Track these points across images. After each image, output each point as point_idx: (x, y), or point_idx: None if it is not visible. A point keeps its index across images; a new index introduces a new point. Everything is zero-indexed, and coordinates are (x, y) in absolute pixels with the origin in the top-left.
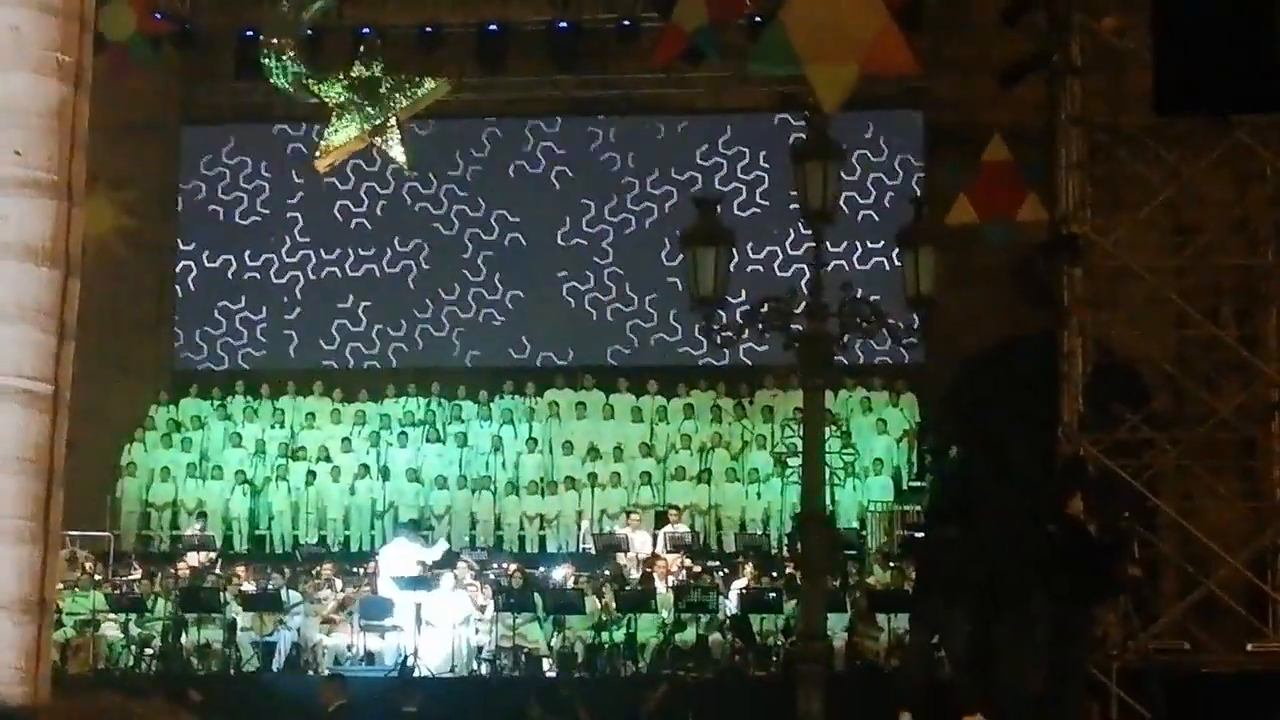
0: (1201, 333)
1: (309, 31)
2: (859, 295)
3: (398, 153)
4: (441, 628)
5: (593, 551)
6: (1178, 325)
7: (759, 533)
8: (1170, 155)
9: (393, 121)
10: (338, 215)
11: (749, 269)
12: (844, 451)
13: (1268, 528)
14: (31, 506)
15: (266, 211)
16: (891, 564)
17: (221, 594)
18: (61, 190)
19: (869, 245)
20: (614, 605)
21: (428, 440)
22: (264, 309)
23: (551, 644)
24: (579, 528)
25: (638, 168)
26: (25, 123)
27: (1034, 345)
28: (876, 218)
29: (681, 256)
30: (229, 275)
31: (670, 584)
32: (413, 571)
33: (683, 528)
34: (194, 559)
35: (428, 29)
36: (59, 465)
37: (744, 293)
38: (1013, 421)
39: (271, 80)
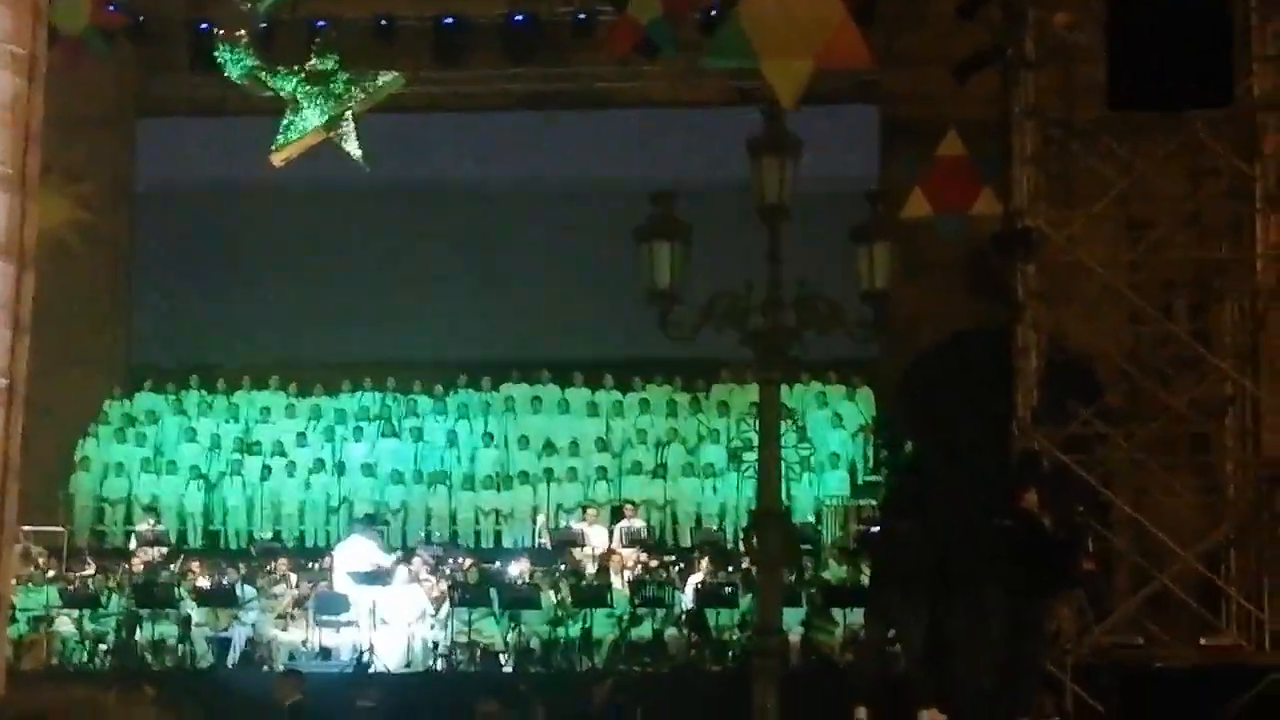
0: (1155, 328)
1: (264, 25)
2: (814, 290)
3: (353, 147)
4: (397, 623)
5: (548, 546)
6: (1131, 320)
7: (715, 527)
8: (1123, 149)
9: (348, 115)
10: (293, 209)
11: (704, 263)
12: (800, 446)
13: (1221, 522)
14: None
15: (222, 205)
16: (847, 559)
17: (176, 589)
18: (15, 183)
19: (824, 240)
20: (570, 600)
21: (383, 435)
22: (219, 303)
23: (507, 639)
24: (535, 523)
25: (594, 161)
26: None
27: (987, 340)
28: (832, 212)
29: (638, 250)
30: (184, 269)
31: (626, 579)
32: (368, 568)
33: (638, 522)
34: (147, 554)
35: (383, 22)
36: (14, 459)
37: (699, 287)
38: (966, 416)
39: (226, 73)
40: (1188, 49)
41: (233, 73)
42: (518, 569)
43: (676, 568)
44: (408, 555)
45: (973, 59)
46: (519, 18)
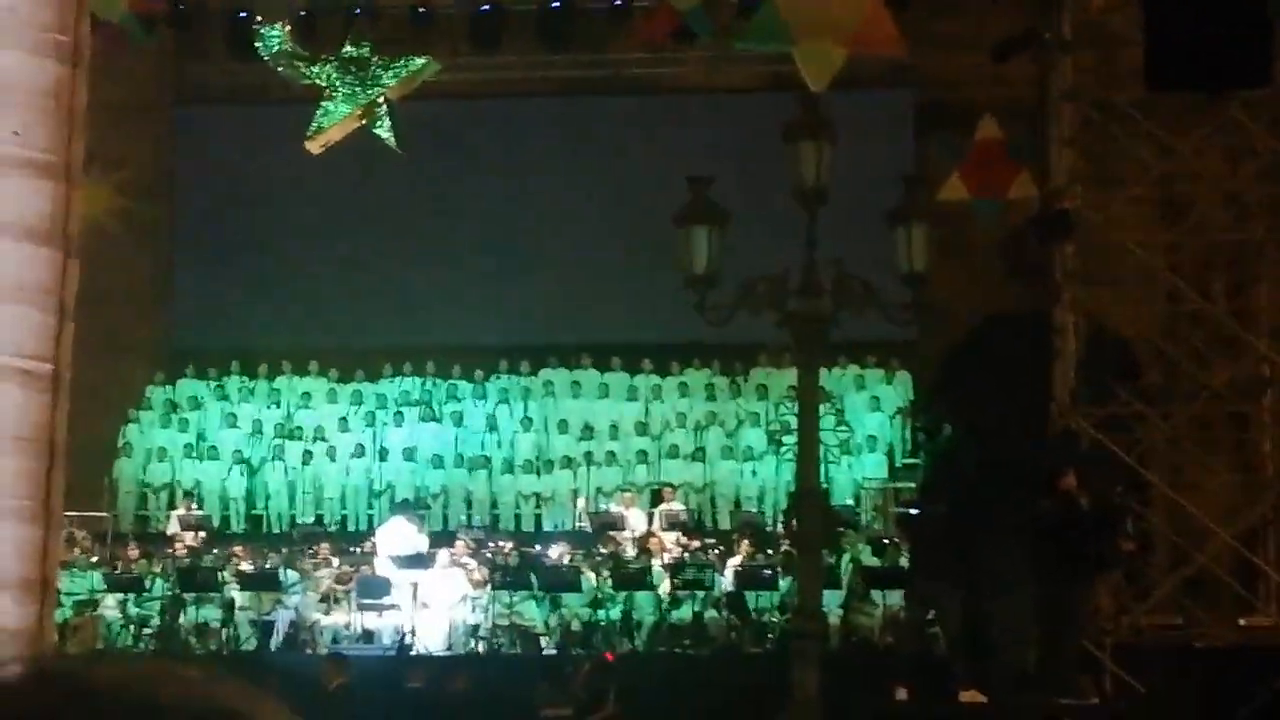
0: (1193, 308)
1: (302, 12)
2: (851, 273)
3: (388, 133)
4: (438, 607)
5: (588, 530)
6: (1169, 300)
7: (754, 510)
8: (1161, 131)
9: (383, 101)
10: (333, 195)
11: (742, 247)
12: (838, 429)
13: (1259, 501)
14: (31, 487)
15: (262, 191)
16: (886, 541)
17: (219, 574)
18: (59, 170)
19: (861, 223)
20: (610, 583)
21: (423, 420)
22: (260, 289)
23: (548, 622)
24: (574, 506)
25: (631, 147)
26: (23, 102)
27: (1025, 321)
28: (869, 195)
29: (676, 235)
30: (224, 256)
31: (665, 561)
32: (410, 551)
33: (678, 506)
34: (191, 539)
35: (420, 9)
36: (60, 445)
37: (737, 271)
38: (1004, 398)
39: (265, 60)
40: (1225, 30)
41: (271, 60)
42: (558, 552)
43: (716, 550)
44: (449, 539)
45: (1010, 42)
46: (555, 4)
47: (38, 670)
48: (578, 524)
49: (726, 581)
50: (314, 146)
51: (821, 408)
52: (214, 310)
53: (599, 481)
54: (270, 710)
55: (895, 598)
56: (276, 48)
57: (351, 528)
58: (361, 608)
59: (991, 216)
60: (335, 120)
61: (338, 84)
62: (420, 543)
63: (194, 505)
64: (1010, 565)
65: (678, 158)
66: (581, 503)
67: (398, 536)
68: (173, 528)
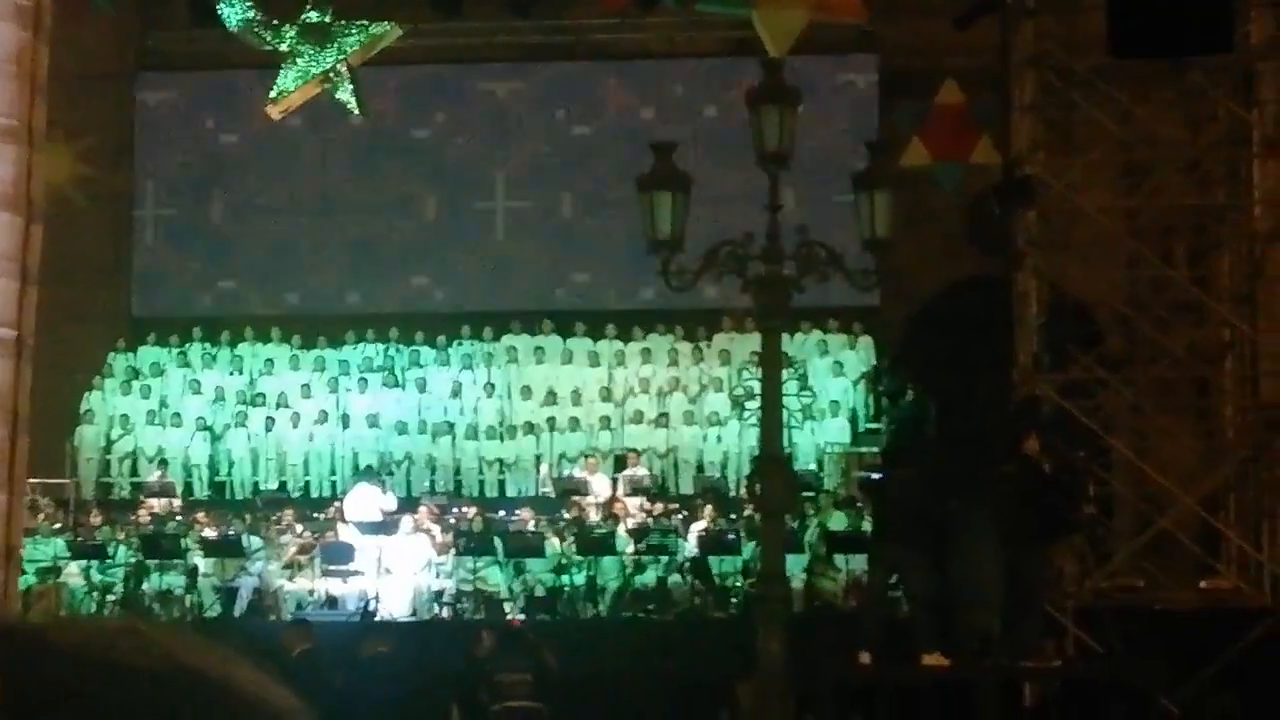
0: (1154, 273)
1: None
2: (815, 239)
3: (349, 98)
4: (402, 573)
5: (552, 495)
6: (1130, 266)
7: (717, 475)
8: (1123, 97)
9: (344, 67)
10: (294, 162)
11: (703, 213)
12: (801, 394)
13: (1220, 466)
14: None
15: (222, 158)
16: (848, 506)
17: (183, 540)
18: (21, 136)
19: (824, 188)
20: (574, 548)
21: (386, 386)
22: (221, 256)
23: (512, 587)
24: (538, 472)
25: (593, 113)
26: None
27: (986, 287)
28: (831, 161)
29: (639, 200)
30: (185, 222)
31: (629, 527)
32: (375, 517)
33: (641, 471)
34: (154, 506)
35: None
36: (23, 410)
37: (700, 236)
38: (966, 363)
39: (226, 27)
40: None
41: (232, 26)
42: (522, 518)
43: (679, 516)
44: (412, 505)
45: (973, 8)
46: None
47: None
48: (541, 490)
49: (690, 546)
50: (273, 112)
51: (784, 373)
52: (176, 277)
53: (562, 447)
54: (240, 670)
55: (858, 562)
56: (237, 13)
57: (315, 494)
58: (326, 574)
59: (953, 181)
60: (293, 86)
61: (298, 50)
62: (385, 508)
63: (159, 473)
64: (973, 529)
65: (641, 123)
66: (545, 468)
67: (363, 503)
68: (140, 496)
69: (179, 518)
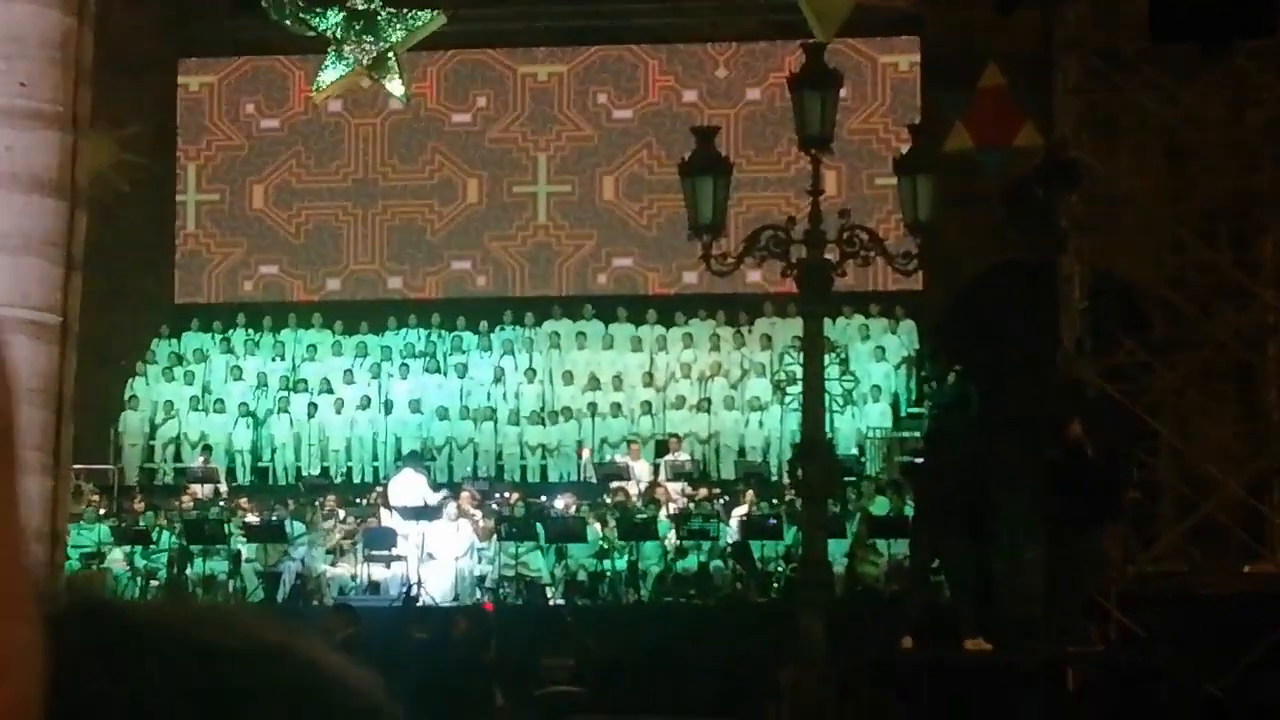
0: (1198, 257)
1: None
2: (856, 222)
3: (395, 86)
4: (444, 558)
5: (594, 481)
6: (1175, 250)
7: (759, 460)
8: (1166, 81)
9: (390, 54)
10: (337, 148)
11: (746, 197)
12: (843, 379)
13: (1264, 450)
14: (42, 438)
15: (266, 145)
16: (890, 490)
17: (226, 526)
18: (66, 122)
19: (867, 172)
20: (616, 534)
21: (428, 371)
22: (263, 241)
23: (554, 573)
24: (580, 457)
25: (635, 96)
26: (30, 54)
27: (1030, 270)
28: (874, 144)
29: (681, 185)
30: (227, 208)
31: (671, 512)
32: (419, 501)
33: (683, 456)
34: (197, 491)
35: None
36: (68, 396)
37: (742, 221)
38: (1010, 347)
39: (268, 13)
40: None
41: (274, 13)
42: (563, 503)
43: (721, 501)
44: (454, 490)
45: None
46: None
47: (81, 606)
48: (583, 475)
49: (732, 531)
50: (318, 99)
51: (826, 357)
52: (219, 263)
53: (604, 432)
54: (325, 651)
55: (900, 546)
56: (279, 1)
57: (357, 479)
58: (368, 559)
59: (997, 165)
60: (339, 73)
61: (342, 36)
62: (429, 494)
63: (202, 459)
64: (1016, 514)
65: (683, 107)
66: (587, 454)
67: (408, 487)
68: (183, 481)
69: (222, 503)
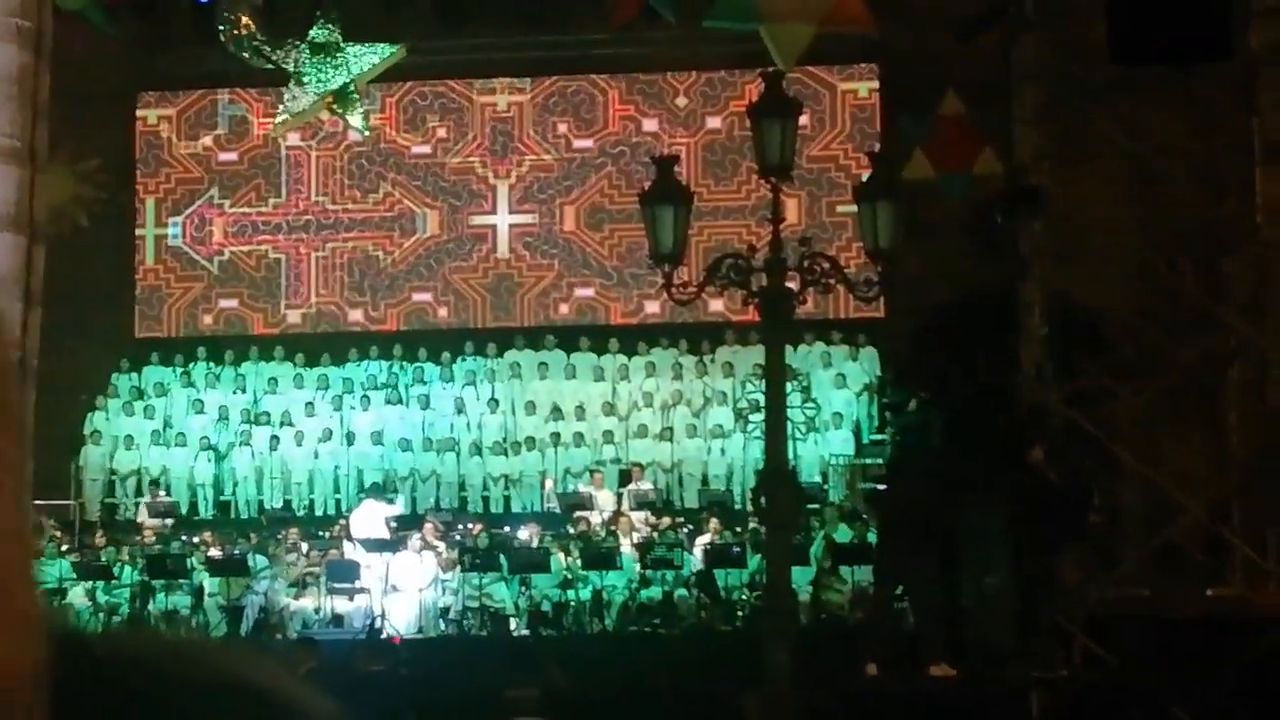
0: (1162, 283)
1: None
2: (818, 250)
3: (356, 119)
4: (408, 590)
5: (557, 510)
6: (1138, 275)
7: (722, 488)
8: (1126, 105)
9: (351, 87)
10: (298, 180)
11: (706, 226)
12: (805, 406)
13: (1228, 475)
14: None
15: (226, 178)
16: (853, 517)
17: (188, 560)
18: (24, 157)
19: (827, 199)
20: (579, 563)
21: (389, 403)
22: (223, 274)
23: (518, 603)
24: (543, 487)
25: (595, 126)
26: None
27: (992, 297)
28: (835, 172)
29: (642, 214)
30: (188, 242)
31: (634, 541)
32: (383, 533)
33: (646, 485)
34: (159, 526)
35: None
36: (27, 432)
37: (703, 250)
38: (972, 373)
39: (229, 46)
40: (1188, 3)
41: (234, 46)
42: (527, 533)
43: (685, 529)
44: (417, 522)
45: (975, 20)
46: None
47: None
48: (546, 505)
49: (696, 560)
50: (277, 132)
51: (788, 385)
52: (179, 297)
53: (567, 462)
54: (287, 682)
55: (864, 574)
56: (240, 33)
57: (320, 512)
58: (331, 592)
59: (958, 193)
60: (301, 105)
61: (304, 68)
62: (390, 525)
63: (161, 493)
64: (979, 540)
65: (643, 136)
66: (550, 484)
67: (370, 520)
68: (141, 515)
69: (184, 537)
